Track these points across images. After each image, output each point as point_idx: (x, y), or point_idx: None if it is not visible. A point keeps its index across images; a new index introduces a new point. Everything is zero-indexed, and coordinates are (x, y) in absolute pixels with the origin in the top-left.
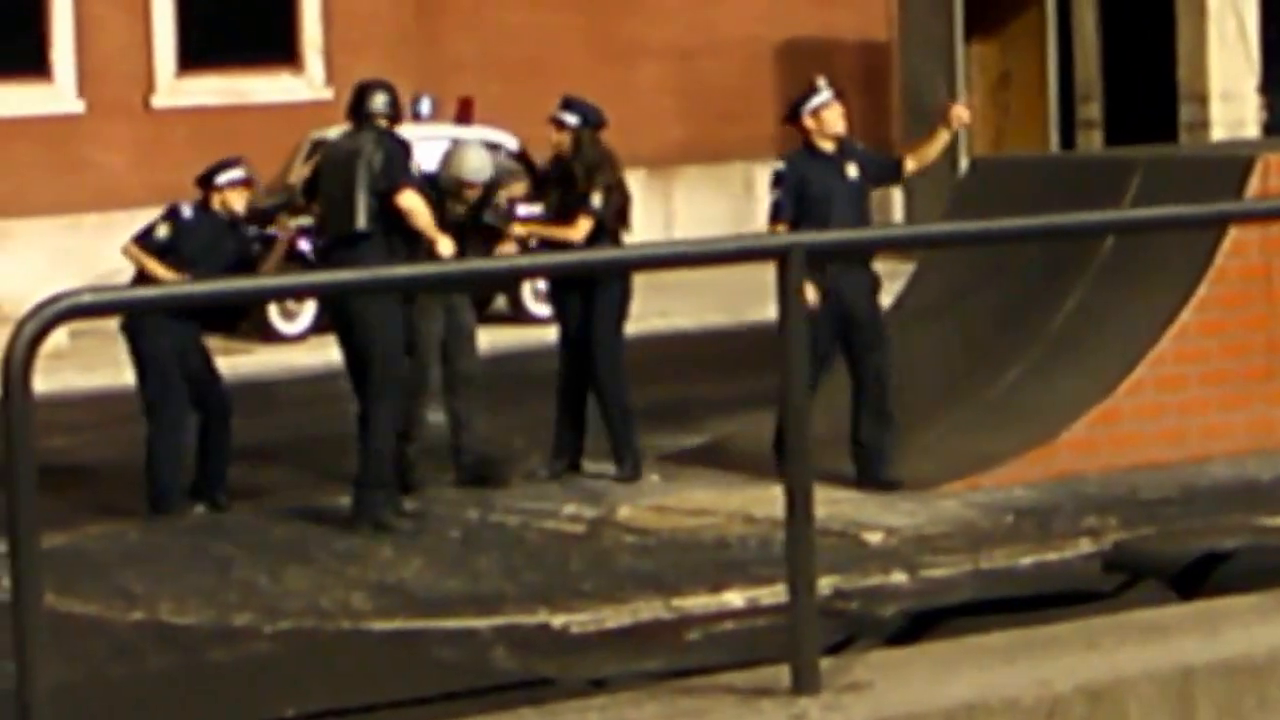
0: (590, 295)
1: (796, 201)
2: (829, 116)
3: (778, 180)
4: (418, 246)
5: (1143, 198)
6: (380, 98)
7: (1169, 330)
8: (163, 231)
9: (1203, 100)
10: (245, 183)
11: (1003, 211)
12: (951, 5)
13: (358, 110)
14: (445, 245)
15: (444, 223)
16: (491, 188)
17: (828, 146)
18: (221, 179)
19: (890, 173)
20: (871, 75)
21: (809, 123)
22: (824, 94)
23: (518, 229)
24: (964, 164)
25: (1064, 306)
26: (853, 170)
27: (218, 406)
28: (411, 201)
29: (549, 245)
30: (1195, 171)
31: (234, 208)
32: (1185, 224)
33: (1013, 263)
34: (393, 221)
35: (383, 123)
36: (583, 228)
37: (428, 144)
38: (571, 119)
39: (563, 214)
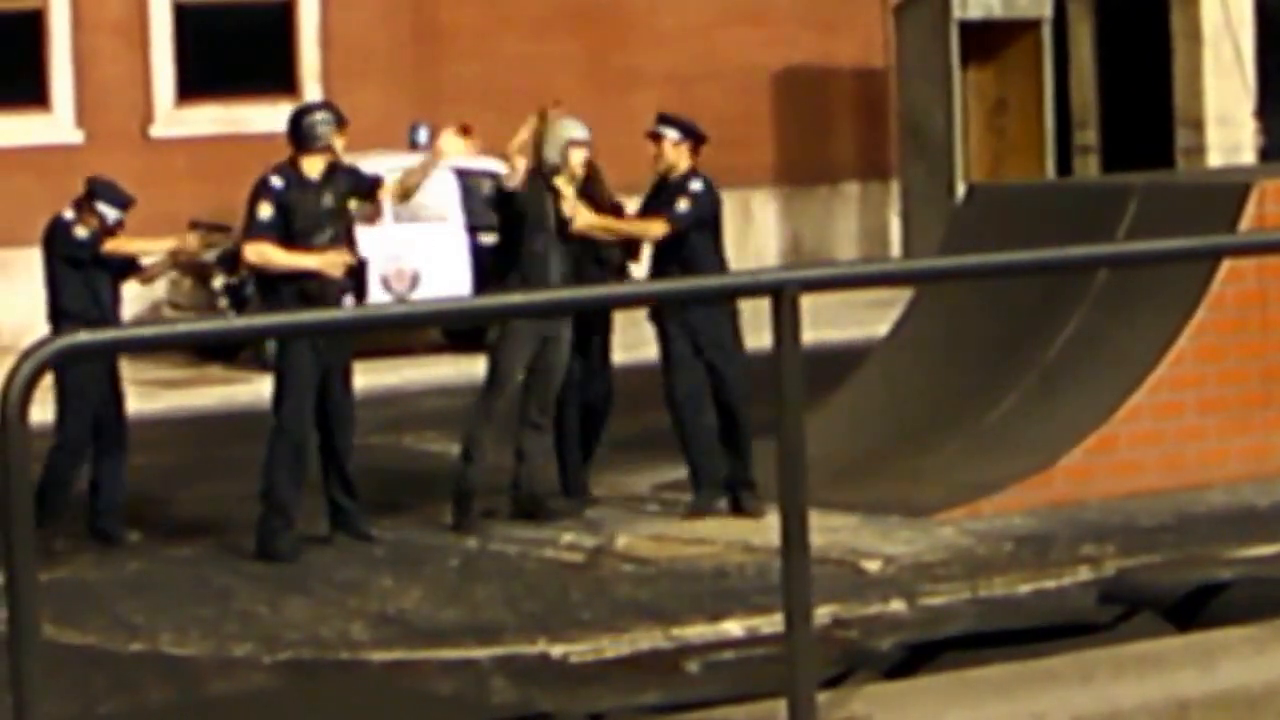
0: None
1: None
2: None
3: None
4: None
5: (1139, 224)
6: None
7: (1166, 356)
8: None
9: (1199, 126)
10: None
11: (1000, 238)
12: (948, 33)
13: None
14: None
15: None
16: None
17: None
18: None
19: None
20: (869, 103)
21: None
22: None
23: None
24: (961, 191)
25: (1061, 333)
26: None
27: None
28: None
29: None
30: (1191, 198)
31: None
32: (1179, 258)
33: (1010, 289)
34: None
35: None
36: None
37: None
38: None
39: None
